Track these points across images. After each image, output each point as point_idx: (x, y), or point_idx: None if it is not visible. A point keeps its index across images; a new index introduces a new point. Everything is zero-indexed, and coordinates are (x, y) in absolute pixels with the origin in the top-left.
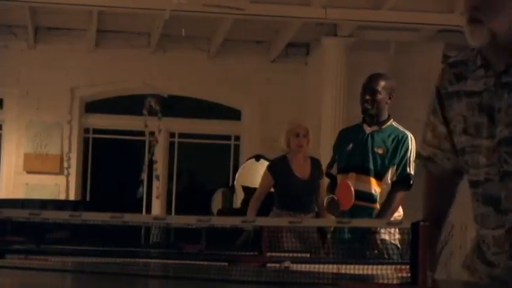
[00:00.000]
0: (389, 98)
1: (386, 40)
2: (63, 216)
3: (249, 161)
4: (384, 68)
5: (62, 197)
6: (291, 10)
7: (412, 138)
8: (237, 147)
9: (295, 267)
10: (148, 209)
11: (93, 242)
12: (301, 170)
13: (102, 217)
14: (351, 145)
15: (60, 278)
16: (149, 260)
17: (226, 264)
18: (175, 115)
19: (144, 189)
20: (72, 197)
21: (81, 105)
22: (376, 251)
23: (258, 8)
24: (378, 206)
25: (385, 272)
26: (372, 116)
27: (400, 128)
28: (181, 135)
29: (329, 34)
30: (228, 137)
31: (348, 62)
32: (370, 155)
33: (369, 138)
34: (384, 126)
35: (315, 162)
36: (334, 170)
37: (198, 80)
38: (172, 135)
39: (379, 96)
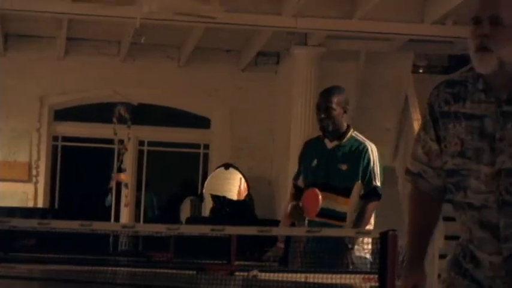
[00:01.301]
0: (345, 111)
1: (356, 50)
2: (31, 224)
3: (218, 169)
4: (353, 78)
5: (30, 204)
6: (262, 19)
7: (373, 148)
8: (206, 155)
9: (263, 276)
10: (117, 217)
11: (62, 250)
12: None
13: (70, 225)
14: (315, 161)
15: (28, 286)
16: (117, 268)
17: (195, 272)
18: (144, 123)
19: (112, 197)
20: (40, 205)
21: (51, 112)
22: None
23: (229, 17)
24: (345, 223)
25: (353, 281)
26: (331, 132)
27: (360, 138)
28: (150, 144)
29: (299, 43)
30: (197, 146)
31: (318, 72)
32: (334, 172)
33: (331, 155)
34: (344, 140)
35: None
36: (300, 182)
37: (168, 88)
38: (141, 143)
39: (334, 112)
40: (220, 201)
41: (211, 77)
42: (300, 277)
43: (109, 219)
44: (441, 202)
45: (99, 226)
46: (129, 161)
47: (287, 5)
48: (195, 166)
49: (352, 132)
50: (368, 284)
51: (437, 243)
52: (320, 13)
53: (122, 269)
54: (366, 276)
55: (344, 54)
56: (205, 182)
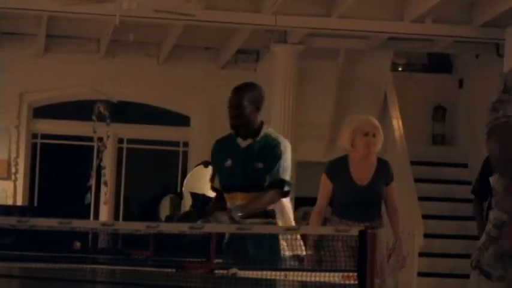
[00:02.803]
0: (258, 108)
1: (336, 47)
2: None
3: (198, 167)
4: (333, 76)
5: (10, 202)
6: (241, 17)
7: (287, 145)
8: (185, 153)
9: (243, 273)
10: (96, 215)
11: (40, 248)
12: (362, 174)
13: (49, 223)
14: (229, 161)
15: (7, 284)
16: (96, 266)
17: (174, 270)
18: (124, 121)
19: (92, 195)
20: (19, 202)
21: (30, 110)
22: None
23: (208, 15)
24: (276, 220)
25: (332, 279)
26: (243, 130)
27: (273, 134)
28: (129, 141)
29: (279, 41)
30: (176, 143)
31: (297, 69)
32: (252, 172)
33: (246, 154)
34: (257, 138)
35: (382, 165)
36: (216, 184)
37: (147, 86)
38: (120, 140)
39: (246, 111)
40: (199, 199)
41: (191, 75)
42: (279, 275)
43: (88, 217)
44: None
45: (78, 224)
46: (108, 158)
47: (266, 3)
48: (175, 164)
49: (266, 129)
50: (347, 282)
51: (418, 241)
52: (299, 11)
53: (101, 266)
54: (346, 274)
55: (323, 52)
56: (185, 180)
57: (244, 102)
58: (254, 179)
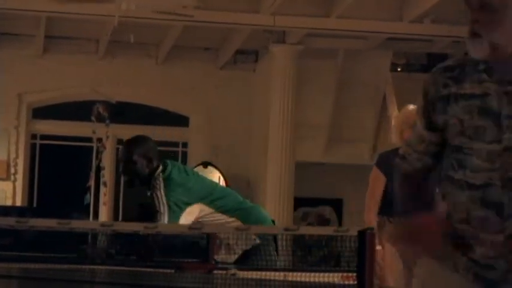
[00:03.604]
0: (150, 160)
1: (334, 48)
2: (9, 222)
3: (197, 167)
4: (331, 76)
5: (9, 202)
6: (240, 17)
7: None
8: (184, 154)
9: (242, 274)
10: (96, 216)
11: (40, 248)
12: None
13: (49, 223)
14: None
15: (6, 284)
16: (95, 267)
17: (173, 271)
18: (123, 121)
19: (91, 196)
20: (18, 203)
21: (29, 110)
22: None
23: (207, 15)
24: None
25: (331, 279)
26: (143, 184)
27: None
28: None
29: (278, 41)
30: (175, 144)
31: (296, 70)
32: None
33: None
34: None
35: None
36: None
37: (146, 87)
38: (120, 141)
39: (137, 166)
40: None
41: (190, 75)
42: (279, 275)
43: (88, 218)
44: (425, 184)
45: (77, 224)
46: (107, 159)
47: (265, 3)
48: None
49: (160, 175)
50: (347, 282)
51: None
52: (298, 11)
53: (100, 267)
54: (345, 274)
55: (322, 52)
56: None
57: (134, 157)
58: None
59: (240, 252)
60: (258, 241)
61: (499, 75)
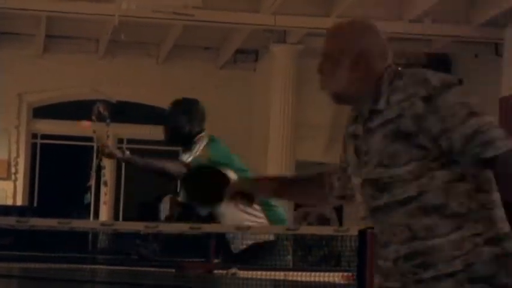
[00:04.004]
0: (191, 120)
1: None
2: (10, 221)
3: None
4: None
5: (9, 202)
6: (240, 17)
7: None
8: None
9: (242, 274)
10: (96, 215)
11: (40, 248)
12: None
13: (49, 223)
14: None
15: (6, 284)
16: (96, 266)
17: (174, 270)
18: (123, 121)
19: (91, 195)
20: (19, 202)
21: (29, 110)
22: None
23: (207, 15)
24: None
25: (332, 279)
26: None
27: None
28: (129, 141)
29: (278, 41)
30: None
31: (296, 69)
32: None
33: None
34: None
35: None
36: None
37: (146, 86)
38: (120, 141)
39: (177, 122)
40: None
41: (190, 75)
42: (279, 275)
43: (88, 217)
44: (323, 194)
45: (78, 224)
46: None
47: (265, 3)
48: None
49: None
50: (347, 282)
51: None
52: (298, 11)
53: (101, 266)
54: (345, 274)
55: None
56: None
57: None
58: None
59: (248, 243)
60: (272, 238)
61: (362, 114)
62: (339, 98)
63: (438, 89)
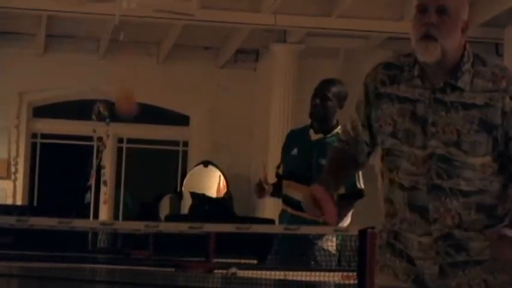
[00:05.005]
0: (340, 106)
1: (335, 47)
2: (10, 221)
3: (197, 167)
4: (332, 75)
5: (9, 201)
6: (241, 16)
7: None
8: (185, 153)
9: (242, 273)
10: (96, 215)
11: (40, 247)
12: None
13: (49, 222)
14: (295, 150)
15: (6, 283)
16: (96, 266)
17: (173, 270)
18: (123, 120)
19: (91, 195)
20: (19, 202)
21: (29, 109)
22: (313, 261)
23: (208, 14)
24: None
25: (332, 279)
26: (319, 122)
27: None
28: (129, 141)
29: (278, 41)
30: (176, 143)
31: (297, 69)
32: (314, 166)
33: (314, 147)
34: (329, 135)
35: None
36: (281, 170)
37: (147, 85)
38: (120, 140)
39: (329, 103)
40: (200, 199)
41: (190, 74)
42: (278, 275)
43: (88, 217)
44: (355, 163)
45: (77, 223)
46: (108, 158)
47: (266, 2)
48: (174, 163)
49: (339, 130)
50: (347, 282)
51: None
52: (299, 10)
53: (101, 266)
54: (345, 274)
55: (323, 52)
56: (185, 180)
57: (330, 95)
58: (316, 174)
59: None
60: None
61: (431, 81)
62: (443, 56)
63: None
